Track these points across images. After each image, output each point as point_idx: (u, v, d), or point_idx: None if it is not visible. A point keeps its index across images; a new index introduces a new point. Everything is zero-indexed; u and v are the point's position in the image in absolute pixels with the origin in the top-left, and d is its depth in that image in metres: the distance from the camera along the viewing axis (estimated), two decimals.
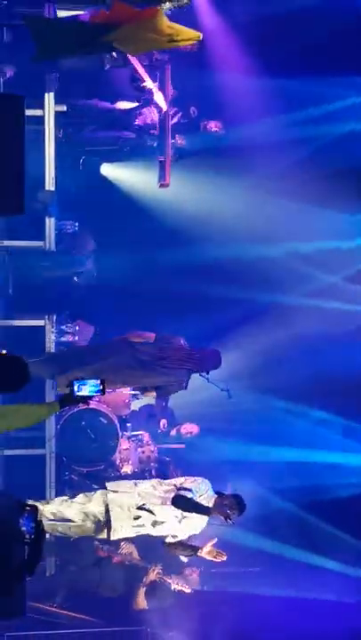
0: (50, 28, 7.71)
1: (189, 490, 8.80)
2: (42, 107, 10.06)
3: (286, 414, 11.77)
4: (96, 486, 10.51)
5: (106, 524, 9.00)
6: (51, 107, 10.09)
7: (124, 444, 10.60)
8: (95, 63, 9.87)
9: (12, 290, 10.58)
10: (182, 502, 8.76)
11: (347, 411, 11.79)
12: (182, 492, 8.80)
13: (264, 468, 11.37)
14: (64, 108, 10.25)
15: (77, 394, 6.65)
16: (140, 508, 8.93)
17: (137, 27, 7.08)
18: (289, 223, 11.47)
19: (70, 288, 10.69)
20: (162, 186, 10.60)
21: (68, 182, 10.64)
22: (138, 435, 10.85)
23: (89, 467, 10.47)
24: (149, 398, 11.16)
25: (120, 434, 10.50)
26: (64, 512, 9.03)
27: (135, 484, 9.17)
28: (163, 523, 8.92)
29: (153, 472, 10.72)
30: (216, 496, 8.88)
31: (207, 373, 9.75)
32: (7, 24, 9.00)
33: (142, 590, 9.87)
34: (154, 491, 9.02)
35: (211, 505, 8.81)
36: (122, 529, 8.99)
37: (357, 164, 11.56)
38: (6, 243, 10.15)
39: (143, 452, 10.75)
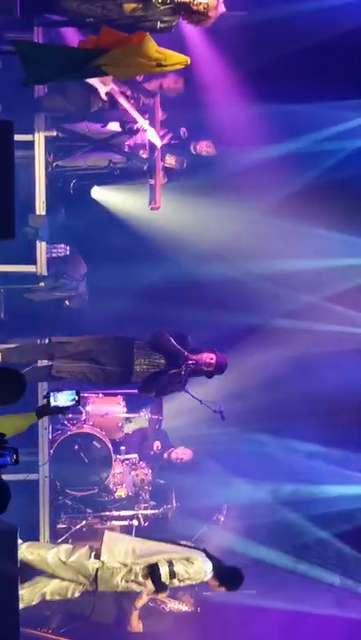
0: (39, 53, 7.71)
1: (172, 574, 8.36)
2: (31, 132, 10.08)
3: (275, 439, 11.77)
4: (90, 510, 10.50)
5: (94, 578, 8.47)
6: (40, 131, 10.11)
7: (117, 468, 10.59)
8: (83, 105, 9.97)
9: (4, 314, 10.59)
10: (155, 576, 8.33)
11: (342, 437, 11.76)
12: (163, 567, 8.34)
13: (258, 489, 11.35)
14: (54, 133, 10.27)
15: (54, 404, 6.71)
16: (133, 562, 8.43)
17: (125, 51, 7.09)
18: (279, 243, 11.48)
19: (62, 312, 10.69)
20: (153, 208, 10.60)
21: (58, 206, 10.66)
22: (131, 458, 10.84)
23: (83, 491, 10.45)
24: (143, 420, 11.15)
25: (113, 457, 10.48)
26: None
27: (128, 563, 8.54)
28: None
29: (147, 495, 10.71)
30: (212, 573, 8.45)
31: (210, 377, 9.36)
32: None
33: (136, 613, 9.82)
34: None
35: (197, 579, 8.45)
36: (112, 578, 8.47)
37: (348, 183, 11.59)
38: None
39: (137, 476, 10.73)
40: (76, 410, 10.68)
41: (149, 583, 8.33)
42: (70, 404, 6.81)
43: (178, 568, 8.32)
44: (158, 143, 10.29)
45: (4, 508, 5.96)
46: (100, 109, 10.08)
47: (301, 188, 11.45)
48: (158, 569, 8.29)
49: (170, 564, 8.32)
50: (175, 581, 8.34)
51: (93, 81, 9.81)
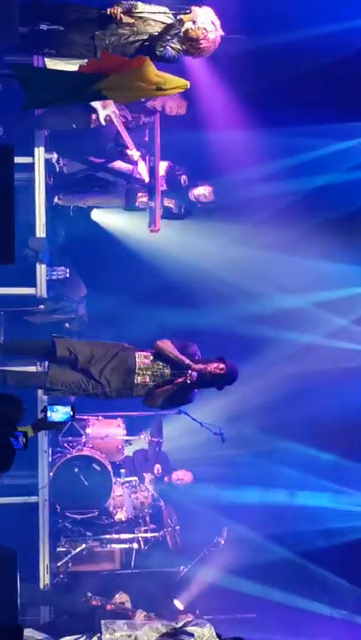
0: (38, 77, 7.73)
1: (191, 635, 8.03)
2: (31, 154, 10.10)
3: (284, 456, 11.74)
4: (90, 533, 10.47)
5: None
6: (40, 154, 10.13)
7: (117, 491, 10.56)
8: (83, 122, 10.00)
9: (4, 336, 10.59)
10: None
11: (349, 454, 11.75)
12: (183, 637, 8.05)
13: (259, 512, 11.32)
14: (54, 156, 10.30)
15: (50, 418, 6.74)
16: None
17: (125, 75, 7.12)
18: (279, 270, 11.51)
19: (62, 334, 10.68)
20: (152, 231, 10.61)
21: (58, 229, 10.68)
22: (131, 481, 10.81)
23: (83, 514, 10.42)
24: (143, 442, 11.13)
25: (113, 480, 10.46)
26: None
27: (134, 628, 8.49)
28: None
29: (147, 518, 10.68)
30: None
31: (220, 389, 8.75)
32: None
33: None
34: (153, 635, 8.33)
35: None
36: None
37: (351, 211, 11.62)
38: None
39: (137, 499, 10.71)
40: (75, 432, 10.68)
41: None
42: (65, 418, 6.83)
43: (190, 628, 8.04)
44: (146, 178, 10.34)
45: (9, 465, 6.04)
46: (98, 125, 10.11)
47: (304, 217, 11.49)
48: None
49: None
50: None
51: (95, 104, 9.86)
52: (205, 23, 8.29)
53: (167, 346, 8.60)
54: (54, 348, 8.87)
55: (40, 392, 9.52)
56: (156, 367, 8.64)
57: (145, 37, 8.24)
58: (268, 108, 10.84)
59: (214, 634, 8.08)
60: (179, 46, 8.30)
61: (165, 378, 8.63)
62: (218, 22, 8.35)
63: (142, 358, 8.71)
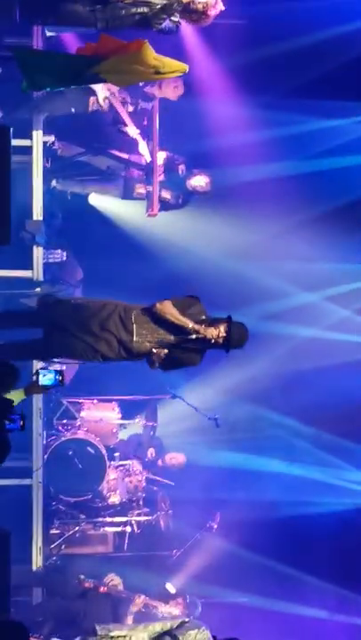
0: (37, 59, 7.72)
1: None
2: (29, 137, 10.08)
3: (279, 442, 11.78)
4: (83, 516, 10.51)
5: None
6: (39, 137, 10.12)
7: (111, 474, 10.58)
8: (82, 106, 9.98)
9: None
10: None
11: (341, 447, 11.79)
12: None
13: (252, 497, 11.36)
14: (52, 139, 10.28)
15: (41, 383, 6.83)
16: None
17: (123, 58, 7.11)
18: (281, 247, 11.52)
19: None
20: (150, 215, 10.61)
21: (55, 211, 10.67)
22: (125, 464, 10.84)
23: (76, 497, 10.45)
24: (137, 426, 11.15)
25: (108, 463, 10.48)
26: None
27: (129, 628, 8.25)
28: None
29: (141, 502, 10.71)
30: None
31: (227, 352, 7.83)
32: None
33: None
34: (146, 635, 8.05)
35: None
36: None
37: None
38: None
39: (131, 482, 10.73)
40: (70, 415, 10.70)
41: None
42: (53, 382, 6.91)
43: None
44: (148, 157, 10.32)
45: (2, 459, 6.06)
46: (96, 111, 10.10)
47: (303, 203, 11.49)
48: None
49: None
50: None
51: (94, 85, 9.84)
52: None
53: (167, 308, 7.76)
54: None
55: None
56: (157, 334, 7.82)
57: (145, 9, 8.18)
58: (267, 91, 10.83)
59: (209, 637, 7.99)
60: (177, 18, 8.25)
61: (169, 343, 7.81)
62: None
63: (140, 323, 7.87)
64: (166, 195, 10.64)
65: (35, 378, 6.98)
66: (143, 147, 10.26)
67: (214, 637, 7.99)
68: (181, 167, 10.65)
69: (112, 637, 8.10)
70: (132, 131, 10.19)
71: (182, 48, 10.11)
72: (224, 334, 7.67)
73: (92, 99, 10.04)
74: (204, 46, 10.39)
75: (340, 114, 11.33)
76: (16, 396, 6.91)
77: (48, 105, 10.05)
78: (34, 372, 7.16)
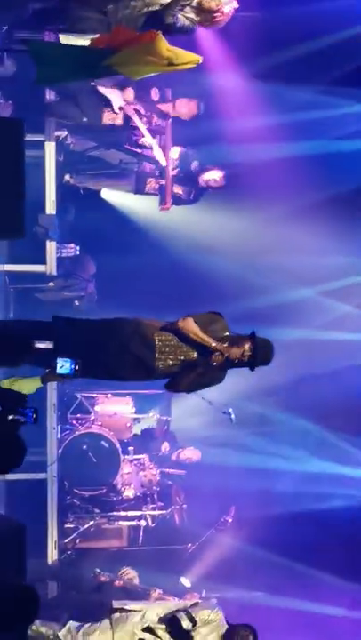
0: (51, 52, 7.71)
1: (193, 621, 8.00)
2: (42, 131, 10.09)
3: (293, 438, 11.76)
4: (98, 510, 10.51)
5: None
6: (51, 131, 10.12)
7: (125, 468, 10.59)
8: (95, 117, 10.00)
9: (13, 313, 10.60)
10: (175, 626, 7.97)
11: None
12: (182, 616, 8.02)
13: (267, 492, 11.34)
14: (65, 133, 10.28)
15: (57, 371, 6.80)
16: (145, 630, 8.06)
17: (136, 50, 7.09)
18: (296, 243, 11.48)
19: (71, 312, 10.68)
20: (163, 209, 10.60)
21: (68, 206, 10.67)
22: (140, 458, 10.84)
23: (91, 491, 10.45)
24: (151, 421, 11.15)
25: (122, 457, 10.48)
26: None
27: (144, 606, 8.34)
28: None
29: (155, 496, 10.70)
30: (227, 627, 8.06)
31: (252, 370, 7.44)
32: (8, 49, 9.05)
33: None
34: (161, 611, 8.21)
35: (212, 637, 8.00)
36: None
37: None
38: (7, 267, 10.16)
39: (145, 476, 10.73)
40: (84, 409, 10.70)
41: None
42: (68, 371, 6.86)
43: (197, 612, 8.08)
44: (163, 162, 10.31)
45: (20, 462, 6.02)
46: (110, 125, 10.12)
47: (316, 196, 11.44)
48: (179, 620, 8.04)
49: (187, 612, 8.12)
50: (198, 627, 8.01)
51: (108, 93, 9.86)
52: None
53: (189, 326, 7.34)
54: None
55: None
56: (180, 352, 7.41)
57: (157, 8, 8.17)
58: (280, 83, 10.80)
59: (222, 618, 8.09)
60: (193, 16, 8.23)
61: (191, 361, 7.42)
62: None
63: (164, 342, 7.44)
64: (178, 190, 10.63)
65: (52, 367, 6.96)
66: (158, 153, 10.27)
67: (228, 623, 8.03)
68: (195, 163, 10.64)
69: (128, 610, 8.13)
70: (149, 139, 10.21)
71: (195, 42, 10.08)
72: (249, 353, 7.31)
73: (105, 112, 10.05)
74: (217, 39, 10.36)
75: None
76: (33, 383, 6.92)
77: (60, 110, 10.05)
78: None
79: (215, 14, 8.25)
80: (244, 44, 10.50)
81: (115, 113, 10.00)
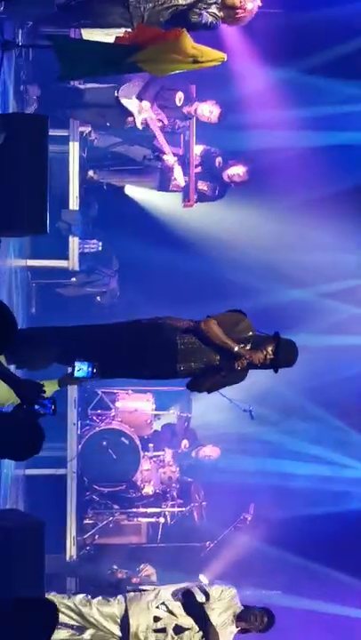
0: (75, 48, 7.69)
1: (205, 594, 8.01)
2: (66, 127, 10.09)
3: (314, 435, 11.72)
4: (117, 506, 10.51)
5: (123, 624, 8.05)
6: (75, 127, 10.12)
7: (145, 465, 10.58)
8: (118, 122, 10.02)
9: (35, 308, 10.62)
10: (189, 599, 7.99)
11: None
12: (196, 590, 8.08)
13: (287, 489, 11.31)
14: (88, 129, 10.28)
15: (75, 375, 6.76)
16: (159, 607, 8.04)
17: (161, 48, 7.07)
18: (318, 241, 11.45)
19: (93, 307, 10.70)
20: (186, 206, 10.58)
21: (92, 201, 10.67)
22: (159, 455, 10.83)
23: (110, 487, 10.46)
24: (172, 417, 11.14)
25: (142, 454, 10.48)
26: (82, 610, 8.22)
27: (158, 588, 8.31)
28: (186, 631, 7.93)
29: (174, 493, 10.69)
30: (242, 608, 8.03)
31: (275, 372, 7.25)
32: (32, 44, 9.05)
33: None
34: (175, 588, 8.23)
35: (227, 615, 7.97)
36: (140, 628, 7.96)
37: None
38: (30, 262, 10.17)
39: (165, 473, 10.72)
40: (105, 405, 10.71)
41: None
42: (86, 374, 6.83)
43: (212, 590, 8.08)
44: (182, 182, 10.30)
45: (38, 449, 5.98)
46: (133, 126, 10.13)
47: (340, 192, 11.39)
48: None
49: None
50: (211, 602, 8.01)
51: (131, 107, 9.86)
52: None
53: (212, 329, 7.13)
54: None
55: None
56: (202, 354, 7.23)
57: (181, 3, 8.14)
58: (305, 84, 10.77)
59: (236, 596, 8.07)
60: (217, 12, 8.18)
61: (213, 364, 7.25)
62: None
63: (186, 345, 7.24)
64: (203, 186, 10.60)
65: (70, 370, 6.94)
66: (179, 173, 10.26)
67: (246, 606, 8.00)
68: (218, 159, 10.62)
69: (142, 591, 8.13)
70: (170, 159, 10.20)
71: (219, 39, 10.05)
72: (272, 356, 7.09)
73: (129, 118, 10.06)
74: (241, 36, 10.33)
75: None
76: (49, 386, 6.90)
77: (83, 114, 10.06)
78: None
79: (238, 11, 8.21)
80: (268, 41, 10.48)
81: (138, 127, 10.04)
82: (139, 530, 10.72)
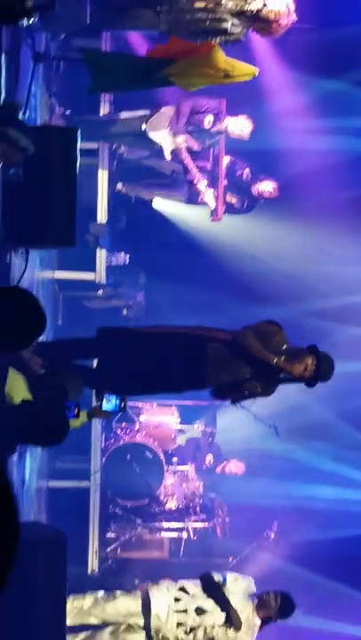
0: (106, 61, 7.70)
1: (224, 580, 8.00)
2: (96, 139, 10.09)
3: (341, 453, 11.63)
4: (139, 520, 10.47)
5: (144, 611, 8.01)
6: (105, 139, 10.12)
7: (169, 479, 10.54)
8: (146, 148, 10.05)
9: (62, 320, 10.61)
10: (208, 582, 7.97)
11: None
12: (215, 573, 8.08)
13: (312, 508, 11.23)
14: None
15: (104, 408, 6.76)
16: (180, 589, 8.05)
17: (193, 61, 7.05)
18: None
19: (119, 320, 10.68)
20: (214, 220, 10.56)
21: (120, 215, 10.66)
22: (183, 470, 10.79)
23: (133, 501, 10.42)
24: (196, 432, 11.10)
25: (165, 468, 10.44)
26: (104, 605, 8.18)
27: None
28: (208, 612, 7.91)
29: (197, 508, 10.64)
30: (256, 600, 7.91)
31: (312, 387, 7.09)
32: (64, 57, 9.06)
33: None
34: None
35: (243, 603, 7.87)
36: (161, 609, 7.94)
37: None
38: (57, 274, 10.17)
39: (188, 488, 10.68)
40: (129, 419, 10.68)
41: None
42: (114, 408, 6.84)
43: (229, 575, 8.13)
44: (212, 205, 10.28)
45: (62, 437, 5.96)
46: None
47: None
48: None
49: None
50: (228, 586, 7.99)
51: (159, 139, 9.87)
52: (280, 6, 8.13)
53: (250, 341, 6.98)
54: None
55: None
56: (233, 366, 7.09)
57: (214, 16, 8.12)
58: (335, 99, 10.73)
59: (252, 587, 8.03)
60: (246, 24, 8.14)
61: (243, 376, 7.10)
62: (293, 6, 8.20)
63: (218, 356, 7.09)
64: (232, 199, 10.57)
65: (99, 403, 6.94)
66: (210, 197, 10.24)
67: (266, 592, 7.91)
68: (246, 172, 10.58)
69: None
70: (202, 185, 10.19)
71: (250, 53, 10.04)
72: (313, 368, 6.92)
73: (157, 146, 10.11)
74: (272, 52, 10.31)
75: None
76: (79, 420, 6.89)
77: (114, 134, 10.08)
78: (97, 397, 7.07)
79: (272, 24, 8.19)
80: (299, 56, 10.46)
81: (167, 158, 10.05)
82: (161, 544, 10.67)
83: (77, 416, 6.39)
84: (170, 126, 9.85)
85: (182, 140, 9.92)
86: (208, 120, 10.01)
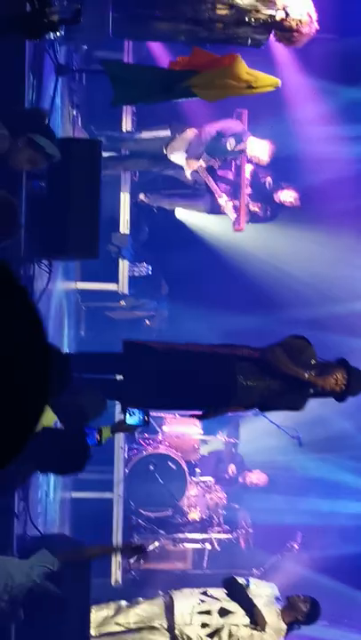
0: (128, 73, 7.71)
1: (247, 582, 8.00)
2: (118, 150, 10.11)
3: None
4: (163, 531, 10.45)
5: (168, 615, 8.03)
6: (127, 150, 10.14)
7: (192, 490, 10.51)
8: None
9: (84, 331, 10.62)
10: (231, 585, 7.96)
11: None
12: (239, 578, 8.08)
13: (335, 519, 11.17)
14: None
15: (127, 422, 6.74)
16: (203, 593, 8.09)
17: (216, 73, 7.05)
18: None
19: (142, 331, 10.67)
20: (236, 230, 10.55)
21: (142, 225, 10.66)
22: (206, 480, 10.76)
23: (156, 512, 10.40)
24: (219, 442, 11.07)
25: (188, 479, 10.41)
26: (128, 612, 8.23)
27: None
28: (231, 613, 7.87)
29: (221, 519, 10.61)
30: (285, 602, 7.89)
31: (343, 400, 6.95)
32: (86, 69, 9.08)
33: None
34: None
35: (267, 606, 7.82)
36: (185, 610, 7.93)
37: None
38: (80, 285, 10.18)
39: (211, 499, 10.65)
40: (152, 430, 10.66)
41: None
42: (138, 422, 6.82)
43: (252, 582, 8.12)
44: (233, 217, 10.29)
45: (82, 466, 5.94)
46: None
47: None
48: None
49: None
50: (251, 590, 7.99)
51: (180, 161, 9.89)
52: (302, 15, 8.10)
53: (281, 358, 6.87)
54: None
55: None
56: (263, 382, 6.97)
57: (237, 27, 8.11)
58: (357, 109, 10.70)
59: (275, 594, 8.00)
60: (265, 33, 8.13)
61: (275, 390, 7.00)
62: (315, 15, 8.17)
63: (246, 374, 6.98)
64: (255, 207, 10.56)
65: (122, 417, 6.93)
66: (230, 211, 10.25)
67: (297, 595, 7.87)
68: (268, 180, 10.57)
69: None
70: (222, 201, 10.20)
71: (272, 64, 10.03)
72: (344, 382, 6.80)
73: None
74: (294, 60, 10.30)
75: None
76: (103, 434, 6.89)
77: (133, 165, 10.11)
78: (120, 411, 7.07)
79: (295, 34, 8.17)
80: (321, 66, 10.44)
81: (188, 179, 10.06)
82: (184, 556, 10.65)
83: (100, 442, 6.36)
84: (189, 150, 9.88)
85: (202, 162, 9.95)
86: (230, 143, 10.00)
